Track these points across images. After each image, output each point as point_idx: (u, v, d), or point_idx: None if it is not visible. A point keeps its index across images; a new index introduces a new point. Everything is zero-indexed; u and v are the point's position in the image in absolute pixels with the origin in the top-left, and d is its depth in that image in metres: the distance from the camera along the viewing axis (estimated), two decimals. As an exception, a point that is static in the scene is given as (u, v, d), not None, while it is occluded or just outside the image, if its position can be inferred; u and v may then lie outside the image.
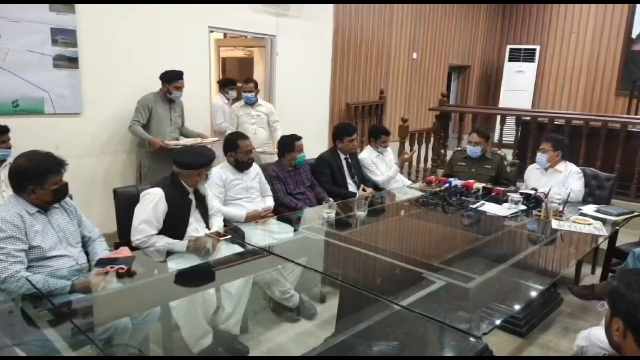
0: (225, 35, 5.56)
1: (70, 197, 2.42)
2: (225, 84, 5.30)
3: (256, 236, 2.94)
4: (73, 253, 2.23)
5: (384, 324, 1.93)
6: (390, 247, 2.85)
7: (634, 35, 7.72)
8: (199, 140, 4.17)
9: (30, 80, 3.61)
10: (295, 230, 3.09)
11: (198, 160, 2.66)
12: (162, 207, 2.57)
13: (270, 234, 3.04)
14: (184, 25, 4.47)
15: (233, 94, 5.26)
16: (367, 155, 4.30)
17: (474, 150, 4.09)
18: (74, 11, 3.74)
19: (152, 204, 2.55)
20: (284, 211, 3.41)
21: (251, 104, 4.73)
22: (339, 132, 4.09)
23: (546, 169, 3.77)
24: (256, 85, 4.84)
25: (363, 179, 4.15)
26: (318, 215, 3.20)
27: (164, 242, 2.56)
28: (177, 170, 2.66)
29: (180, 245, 2.59)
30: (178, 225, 2.63)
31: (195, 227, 2.72)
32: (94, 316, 2.07)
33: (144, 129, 3.98)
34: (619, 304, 1.35)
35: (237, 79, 5.51)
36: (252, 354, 2.20)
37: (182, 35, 4.48)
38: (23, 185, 2.10)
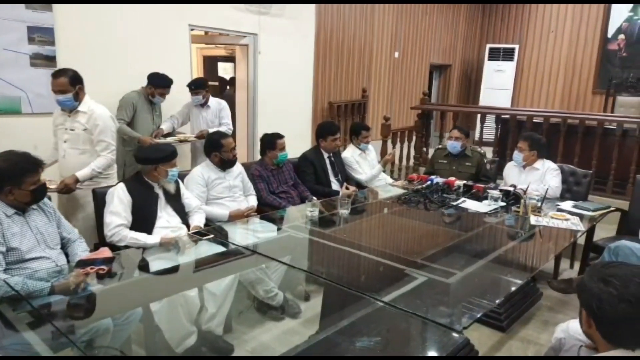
0: (206, 33, 5.51)
1: (49, 199, 2.38)
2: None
3: (239, 235, 2.94)
4: (52, 255, 2.20)
5: (367, 321, 1.95)
6: (373, 245, 2.87)
7: (609, 35, 7.89)
8: (182, 137, 4.23)
9: (7, 79, 3.54)
10: (278, 229, 3.09)
11: (153, 154, 2.77)
12: (126, 198, 2.65)
13: (254, 233, 3.03)
14: (164, 23, 4.43)
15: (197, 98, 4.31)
16: (350, 154, 4.32)
17: (454, 145, 4.15)
18: (51, 9, 3.68)
19: (115, 196, 2.65)
20: (267, 210, 3.41)
21: (68, 110, 3.01)
22: (322, 131, 4.10)
23: (524, 167, 3.84)
24: (75, 80, 2.93)
25: (346, 178, 4.17)
26: (301, 214, 3.21)
27: (136, 235, 2.60)
28: (140, 165, 2.80)
29: (152, 239, 2.61)
30: (145, 218, 2.70)
31: (167, 220, 2.77)
32: (74, 318, 2.04)
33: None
34: (582, 295, 1.40)
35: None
36: (236, 353, 2.19)
37: (163, 34, 4.44)
38: (0, 186, 2.07)
